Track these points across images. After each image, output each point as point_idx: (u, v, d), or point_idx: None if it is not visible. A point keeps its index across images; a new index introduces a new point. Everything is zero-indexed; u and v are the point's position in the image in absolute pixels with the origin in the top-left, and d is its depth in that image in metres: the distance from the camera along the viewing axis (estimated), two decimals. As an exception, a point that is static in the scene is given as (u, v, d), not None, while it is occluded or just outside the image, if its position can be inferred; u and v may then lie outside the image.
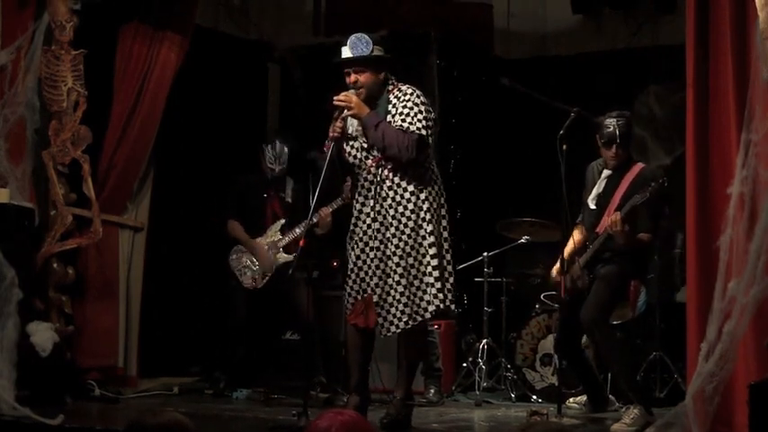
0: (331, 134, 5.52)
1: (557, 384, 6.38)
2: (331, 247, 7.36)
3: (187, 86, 7.70)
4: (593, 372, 6.49)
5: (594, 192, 6.26)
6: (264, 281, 7.31)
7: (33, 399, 5.90)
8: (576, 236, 6.33)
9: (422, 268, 5.46)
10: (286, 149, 7.35)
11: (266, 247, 7.32)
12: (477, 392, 7.32)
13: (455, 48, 8.84)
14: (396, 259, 5.46)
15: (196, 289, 8.19)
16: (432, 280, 5.44)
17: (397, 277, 5.46)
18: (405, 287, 5.45)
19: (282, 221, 7.42)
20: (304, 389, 6.01)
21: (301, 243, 5.71)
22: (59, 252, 6.77)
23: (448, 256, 5.56)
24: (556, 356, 6.99)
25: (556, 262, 6.27)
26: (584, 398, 6.62)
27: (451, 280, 5.53)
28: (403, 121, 5.46)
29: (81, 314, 7.02)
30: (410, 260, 5.45)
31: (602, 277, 6.13)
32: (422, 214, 5.48)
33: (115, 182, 7.29)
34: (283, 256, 7.33)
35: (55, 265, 6.76)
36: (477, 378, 7.43)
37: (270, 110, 9.37)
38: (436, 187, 5.62)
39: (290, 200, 7.48)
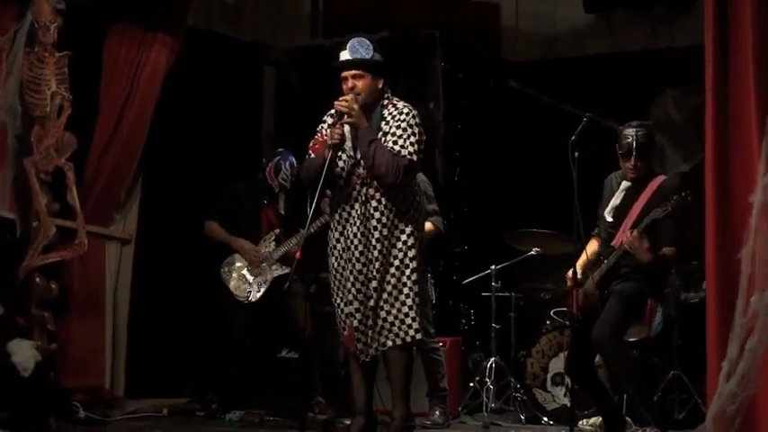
0: (330, 141, 5.52)
1: (569, 405, 6.34)
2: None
3: (178, 90, 7.70)
4: (606, 392, 6.44)
5: (611, 203, 6.22)
6: (260, 293, 7.30)
7: (15, 421, 5.88)
8: (591, 248, 6.29)
9: (401, 297, 5.56)
10: (297, 165, 7.36)
11: (251, 247, 7.32)
12: (485, 414, 7.28)
13: (460, 50, 8.84)
14: (374, 284, 5.55)
15: (188, 305, 8.14)
16: (408, 308, 5.55)
17: (380, 301, 5.55)
18: (387, 312, 5.55)
19: (277, 231, 7.42)
20: (301, 410, 6.00)
21: (298, 255, 5.70)
22: (42, 266, 6.74)
23: (421, 286, 5.69)
24: (568, 376, 6.96)
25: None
26: (598, 419, 6.59)
27: (419, 309, 5.62)
28: (395, 143, 5.52)
29: (65, 331, 7.00)
30: (389, 287, 5.55)
31: (616, 293, 6.09)
32: (403, 237, 5.57)
33: (101, 191, 7.29)
34: (279, 269, 7.32)
35: (37, 280, 6.73)
36: (484, 399, 7.40)
37: (265, 114, 9.37)
38: (420, 210, 5.72)
39: (282, 212, 7.48)
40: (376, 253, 5.52)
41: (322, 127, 5.75)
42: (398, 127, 5.55)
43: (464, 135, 8.75)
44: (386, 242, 5.53)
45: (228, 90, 8.76)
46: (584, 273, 6.19)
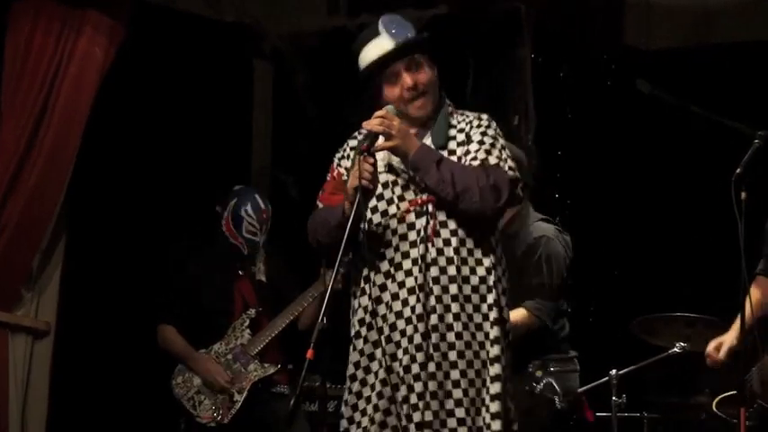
0: (356, 180, 5.44)
1: None
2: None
3: (122, 98, 7.77)
4: None
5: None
6: (232, 411, 7.34)
7: None
8: (757, 298, 6.22)
9: (480, 399, 5.46)
10: (270, 206, 7.43)
11: (222, 361, 7.38)
12: None
13: (559, 34, 8.87)
14: (456, 374, 5.43)
15: (127, 422, 8.19)
16: (491, 417, 5.44)
17: (452, 402, 5.45)
18: (465, 413, 5.44)
19: (252, 312, 7.47)
20: None
21: (309, 354, 5.68)
22: None
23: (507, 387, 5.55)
24: None
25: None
26: None
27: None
28: (488, 153, 5.46)
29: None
30: (471, 373, 5.45)
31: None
32: (489, 298, 5.46)
33: (3, 258, 7.34)
34: (259, 369, 7.37)
35: None
36: None
37: (256, 132, 9.44)
38: (505, 271, 5.63)
39: (263, 278, 7.52)
40: (450, 318, 5.41)
41: (340, 161, 5.71)
42: (485, 134, 5.52)
43: (567, 166, 8.76)
44: (467, 305, 5.43)
45: (200, 98, 8.89)
46: (753, 342, 6.15)
